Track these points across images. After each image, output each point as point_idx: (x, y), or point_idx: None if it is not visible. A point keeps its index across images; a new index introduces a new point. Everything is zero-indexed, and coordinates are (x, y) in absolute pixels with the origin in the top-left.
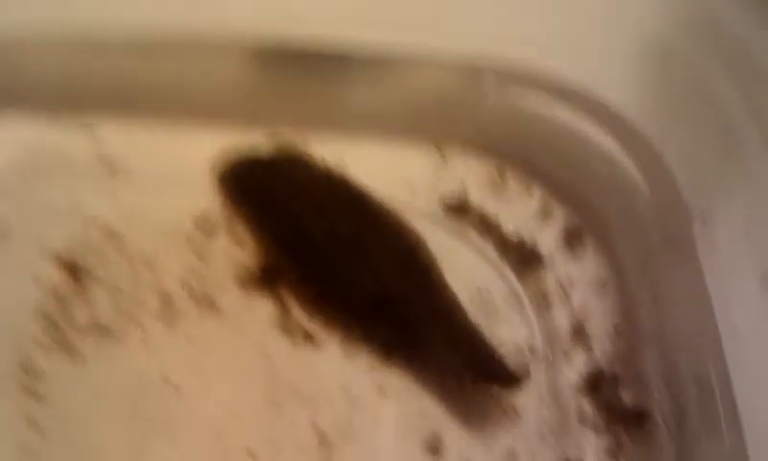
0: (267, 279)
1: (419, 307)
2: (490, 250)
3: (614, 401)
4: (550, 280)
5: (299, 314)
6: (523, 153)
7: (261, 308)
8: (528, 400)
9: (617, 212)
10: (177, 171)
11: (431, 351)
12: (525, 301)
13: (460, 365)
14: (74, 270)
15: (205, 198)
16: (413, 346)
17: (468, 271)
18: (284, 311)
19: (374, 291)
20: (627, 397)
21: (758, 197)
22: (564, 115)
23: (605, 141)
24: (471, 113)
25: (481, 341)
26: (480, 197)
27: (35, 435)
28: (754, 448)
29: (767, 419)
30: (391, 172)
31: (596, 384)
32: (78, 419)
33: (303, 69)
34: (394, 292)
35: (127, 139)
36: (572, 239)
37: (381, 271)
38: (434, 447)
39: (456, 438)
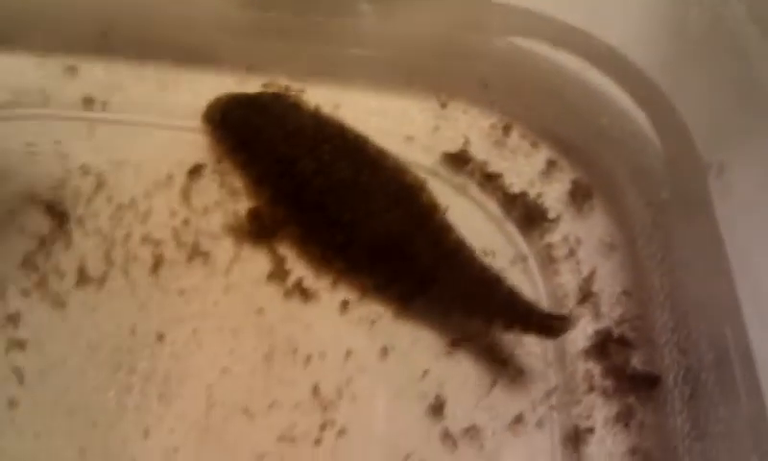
0: (259, 228)
1: (425, 249)
2: (493, 206)
3: (624, 366)
4: (556, 240)
5: (294, 266)
6: (529, 107)
7: (254, 260)
8: (534, 365)
9: (627, 168)
10: (166, 116)
11: (444, 294)
12: (530, 260)
13: (482, 308)
14: (60, 216)
15: (196, 144)
16: (422, 290)
17: (469, 228)
18: (278, 263)
19: (376, 235)
20: (637, 361)
21: None
22: (572, 65)
23: (615, 92)
24: (475, 64)
25: (502, 285)
26: (483, 152)
27: (19, 386)
28: None
29: None
30: (390, 122)
31: (604, 348)
32: (62, 368)
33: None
34: (395, 235)
35: (114, 83)
36: (580, 197)
37: (381, 214)
38: (436, 409)
39: (460, 402)
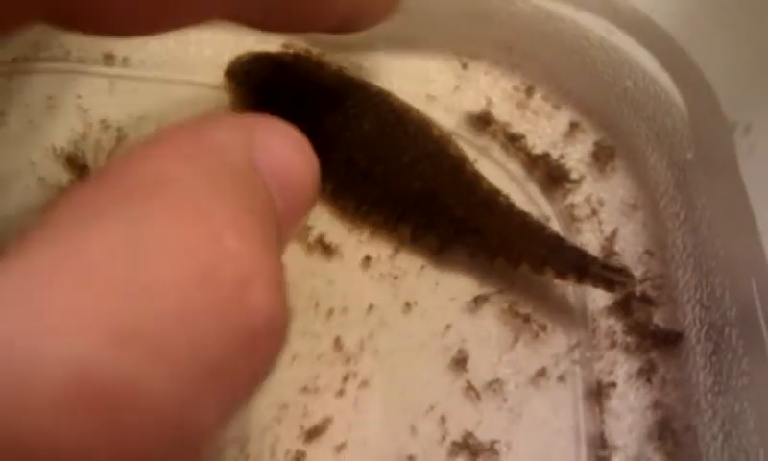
0: None
1: (460, 198)
2: (515, 167)
3: (646, 323)
4: (579, 200)
5: (315, 223)
6: (552, 69)
7: None
8: (556, 322)
9: (651, 129)
10: (186, 73)
11: (488, 242)
12: (553, 220)
13: (530, 254)
14: (80, 169)
15: (217, 101)
16: (461, 239)
17: None
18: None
19: (410, 186)
20: (659, 318)
21: None
22: (596, 27)
23: (639, 54)
24: (498, 26)
25: (549, 230)
26: (505, 113)
27: None
28: None
29: None
30: (411, 83)
31: (627, 306)
32: None
33: None
34: (430, 185)
35: (135, 39)
36: (603, 158)
37: (413, 165)
38: (459, 363)
39: (482, 356)
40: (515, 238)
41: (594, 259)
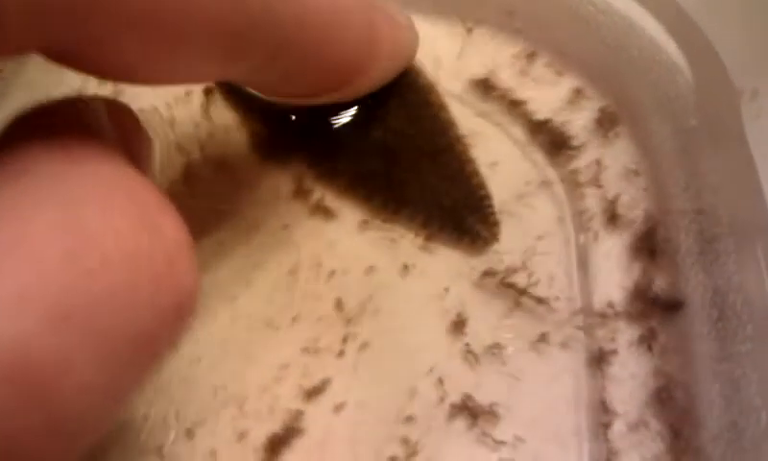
0: (279, 145)
1: (415, 155)
2: (519, 132)
3: (647, 290)
4: (581, 166)
5: (314, 186)
6: (555, 35)
7: (278, 178)
8: (558, 287)
9: (655, 96)
10: None
11: (419, 197)
12: (556, 185)
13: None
14: None
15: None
16: (403, 195)
17: (496, 153)
18: (300, 182)
19: (375, 139)
20: (661, 285)
21: None
22: None
23: (644, 21)
24: None
25: (468, 190)
26: (509, 78)
27: None
28: None
29: None
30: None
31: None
32: None
33: None
34: (395, 140)
35: None
36: (605, 125)
37: (384, 119)
38: (458, 326)
39: (482, 321)
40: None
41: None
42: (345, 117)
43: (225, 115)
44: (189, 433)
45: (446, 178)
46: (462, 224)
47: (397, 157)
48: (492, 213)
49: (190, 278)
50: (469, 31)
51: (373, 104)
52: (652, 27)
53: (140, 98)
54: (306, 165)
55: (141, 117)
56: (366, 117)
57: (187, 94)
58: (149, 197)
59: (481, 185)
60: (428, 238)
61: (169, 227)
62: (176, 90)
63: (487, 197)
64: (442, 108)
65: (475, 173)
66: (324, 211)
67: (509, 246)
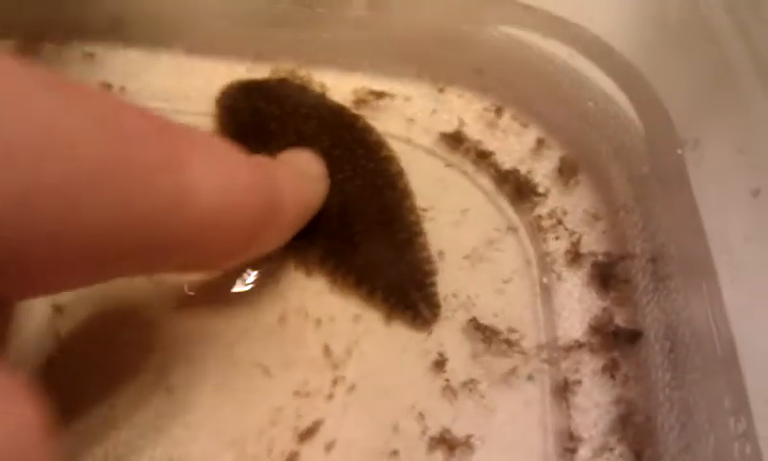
0: None
1: (368, 216)
2: (486, 182)
3: (608, 324)
4: (545, 211)
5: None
6: (520, 91)
7: None
8: (525, 325)
9: (611, 146)
10: (182, 103)
11: (367, 263)
12: (521, 230)
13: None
14: None
15: (209, 127)
16: (353, 260)
17: (464, 202)
18: None
19: (330, 198)
20: (620, 320)
21: (749, 121)
22: (561, 53)
23: (600, 78)
24: (471, 52)
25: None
26: (477, 132)
27: None
28: (747, 362)
29: (761, 334)
30: (392, 105)
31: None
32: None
33: None
34: (349, 199)
35: (130, 70)
36: (567, 173)
37: (342, 182)
38: (439, 365)
39: (459, 359)
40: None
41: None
42: None
43: None
44: None
45: (395, 247)
46: (406, 297)
47: (353, 222)
48: (435, 294)
49: None
50: (441, 90)
51: (334, 170)
52: (605, 83)
53: None
54: None
55: None
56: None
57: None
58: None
59: (428, 260)
60: (375, 306)
61: (20, 415)
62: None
63: (432, 273)
64: (400, 177)
65: (424, 247)
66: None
67: (480, 290)
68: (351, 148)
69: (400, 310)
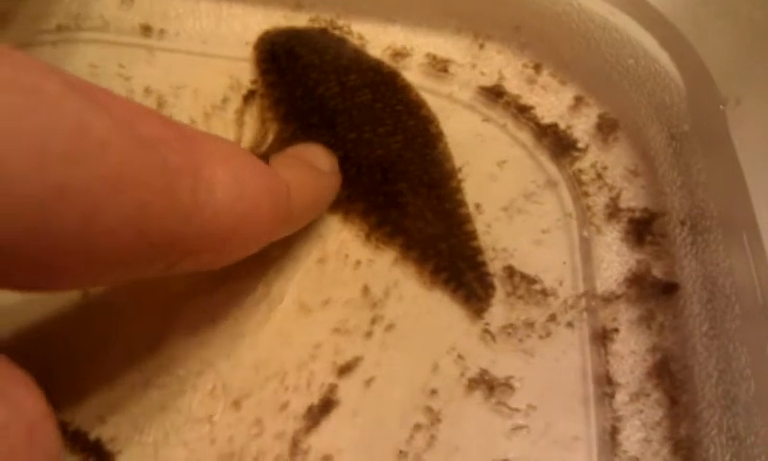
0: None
1: (412, 179)
2: (526, 136)
3: (646, 275)
4: (585, 166)
5: None
6: (558, 49)
7: None
8: (565, 277)
9: (650, 103)
10: (220, 47)
11: (415, 228)
12: (561, 184)
13: (438, 255)
14: None
15: (248, 73)
16: (400, 221)
17: (504, 156)
18: None
19: (371, 154)
20: (658, 271)
21: None
22: (600, 10)
23: (640, 35)
24: (510, 8)
25: (466, 235)
26: (516, 87)
27: None
28: None
29: None
30: (431, 60)
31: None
32: None
33: None
34: (391, 157)
35: (169, 13)
36: (606, 130)
37: (384, 137)
38: (478, 310)
39: (498, 305)
40: (428, 223)
41: (473, 267)
42: None
43: (258, 120)
44: (236, 404)
45: (440, 216)
46: (459, 276)
47: (397, 179)
48: (489, 274)
49: (51, 446)
50: (481, 46)
51: (376, 124)
52: (646, 41)
53: (180, 108)
54: None
55: None
56: (370, 136)
57: (224, 101)
58: (4, 372)
59: (474, 236)
60: (423, 275)
61: (27, 399)
62: (214, 100)
63: (480, 251)
64: (440, 138)
65: (468, 219)
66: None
67: (517, 241)
68: (392, 104)
69: (452, 287)
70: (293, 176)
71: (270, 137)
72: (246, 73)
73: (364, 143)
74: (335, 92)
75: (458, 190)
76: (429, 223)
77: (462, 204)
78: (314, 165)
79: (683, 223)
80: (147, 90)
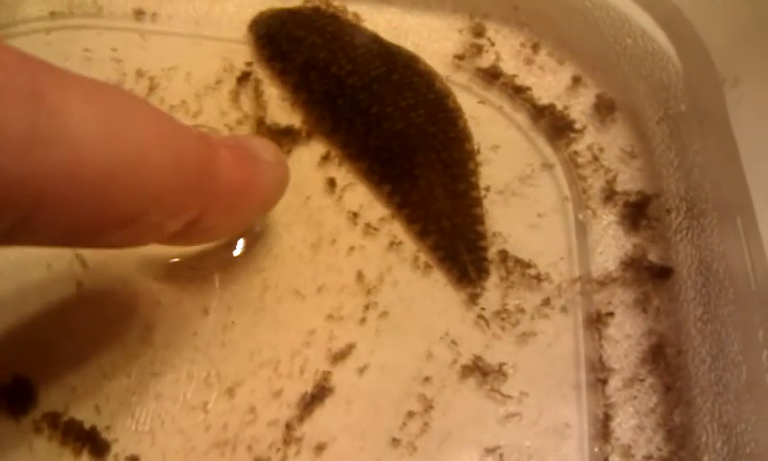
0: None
1: (433, 153)
2: (522, 117)
3: (641, 259)
4: (581, 148)
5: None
6: (556, 28)
7: (301, 158)
8: (560, 260)
9: (648, 84)
10: (213, 29)
11: (422, 202)
12: (557, 166)
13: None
14: None
15: (242, 54)
16: (410, 192)
17: (499, 137)
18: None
19: (394, 127)
20: (653, 255)
21: None
22: None
23: (637, 14)
24: None
25: (472, 216)
26: (513, 68)
27: None
28: None
29: None
30: (426, 40)
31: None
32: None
33: None
34: (414, 131)
35: None
36: (603, 110)
37: (407, 110)
38: (472, 296)
39: (492, 290)
40: (437, 197)
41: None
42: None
43: (253, 102)
44: (230, 392)
45: (450, 194)
46: (456, 256)
47: (415, 151)
48: (485, 259)
49: None
50: (477, 25)
51: (397, 98)
52: (644, 20)
53: (172, 90)
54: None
55: (168, 111)
56: (392, 110)
57: (218, 82)
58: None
59: (481, 220)
60: (420, 249)
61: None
62: (207, 81)
63: (483, 236)
64: (459, 114)
65: (478, 202)
66: (342, 189)
67: (513, 225)
68: (408, 74)
69: (447, 266)
70: (226, 152)
71: (267, 119)
72: (239, 55)
73: (387, 116)
74: (349, 70)
75: (474, 173)
76: (437, 199)
77: (475, 187)
78: (257, 153)
79: (678, 206)
80: (139, 73)
